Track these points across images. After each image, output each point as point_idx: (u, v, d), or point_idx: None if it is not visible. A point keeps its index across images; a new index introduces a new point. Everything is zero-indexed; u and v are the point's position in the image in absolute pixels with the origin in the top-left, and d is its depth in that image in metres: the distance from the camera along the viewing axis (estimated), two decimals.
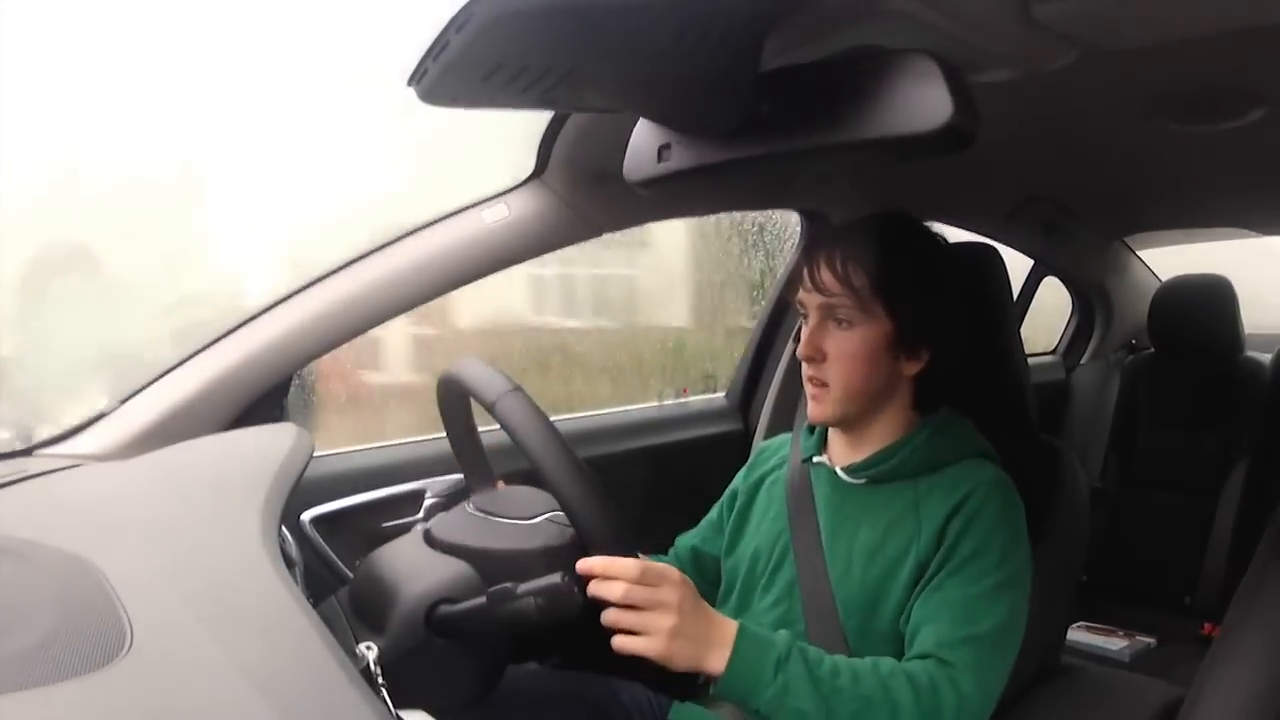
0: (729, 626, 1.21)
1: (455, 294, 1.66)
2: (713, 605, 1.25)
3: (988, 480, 1.37)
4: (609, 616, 1.16)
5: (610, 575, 1.15)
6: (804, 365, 1.42)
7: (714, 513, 1.68)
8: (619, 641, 1.16)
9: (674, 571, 1.20)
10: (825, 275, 1.38)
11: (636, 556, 1.20)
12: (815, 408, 1.42)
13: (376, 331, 1.63)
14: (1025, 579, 1.34)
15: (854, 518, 1.42)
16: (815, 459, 1.51)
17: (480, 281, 1.68)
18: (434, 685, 1.18)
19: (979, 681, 1.25)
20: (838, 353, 1.38)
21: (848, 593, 1.38)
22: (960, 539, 1.32)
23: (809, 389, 1.42)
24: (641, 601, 1.15)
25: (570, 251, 1.79)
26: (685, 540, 1.67)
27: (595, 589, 1.15)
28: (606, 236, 1.79)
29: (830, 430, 1.51)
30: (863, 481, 1.44)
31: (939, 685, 1.23)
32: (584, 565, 1.16)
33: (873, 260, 1.36)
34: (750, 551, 1.52)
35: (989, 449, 1.45)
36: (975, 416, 1.47)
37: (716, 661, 1.19)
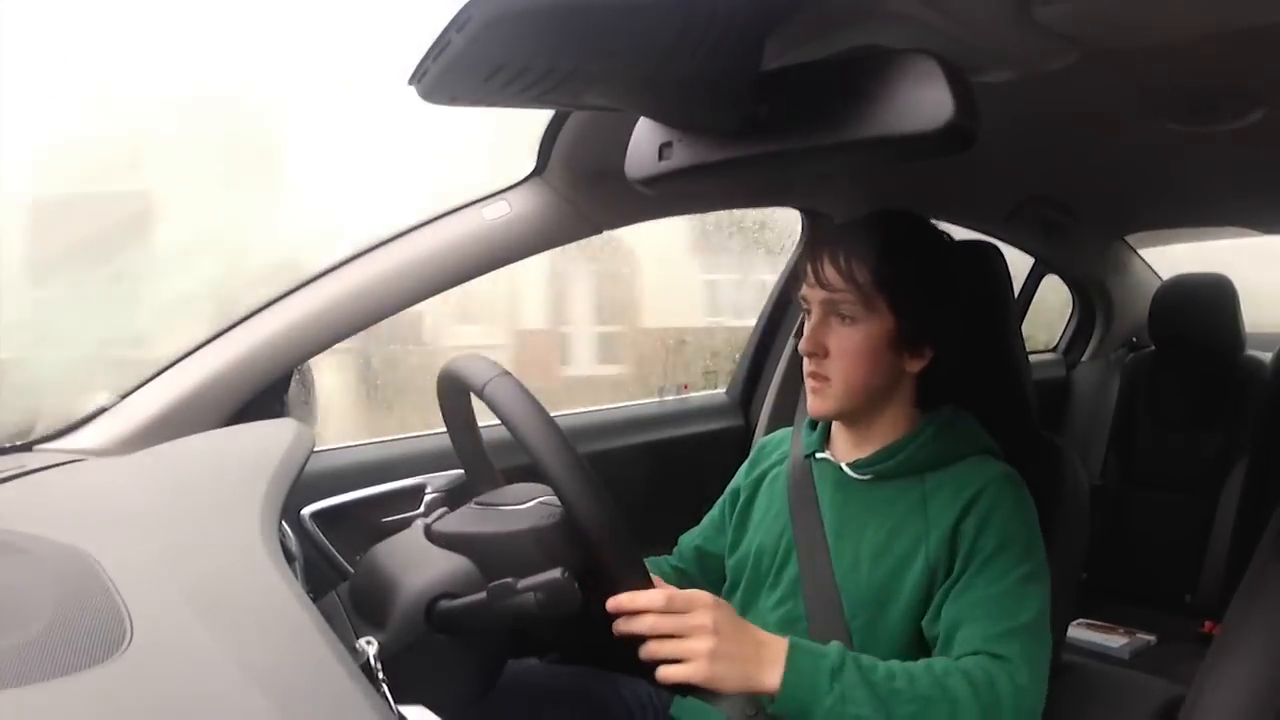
0: (777, 643, 1.21)
1: (637, 293, 1.67)
2: None
3: (997, 476, 1.37)
4: (647, 650, 1.15)
5: (636, 608, 1.15)
6: (805, 361, 1.41)
7: (715, 511, 1.67)
8: (663, 673, 1.16)
9: (704, 595, 1.19)
10: (829, 271, 1.37)
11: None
12: (815, 401, 1.42)
13: (565, 329, 1.64)
14: (1046, 573, 1.34)
15: (860, 515, 1.42)
16: (818, 455, 1.51)
17: (657, 283, 1.68)
18: (434, 680, 1.18)
19: (1032, 672, 1.25)
20: (840, 348, 1.38)
21: (855, 591, 1.37)
22: (979, 537, 1.32)
23: (809, 383, 1.42)
24: (672, 630, 1.15)
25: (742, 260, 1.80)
26: (688, 540, 1.67)
27: (622, 626, 1.16)
28: (762, 248, 1.79)
29: (834, 426, 1.51)
30: (868, 477, 1.44)
31: (995, 678, 1.22)
32: (612, 604, 1.16)
33: (877, 256, 1.36)
34: (754, 549, 1.51)
35: (994, 446, 1.45)
36: (977, 414, 1.48)
37: (770, 679, 1.18)
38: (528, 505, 1.30)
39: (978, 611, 1.29)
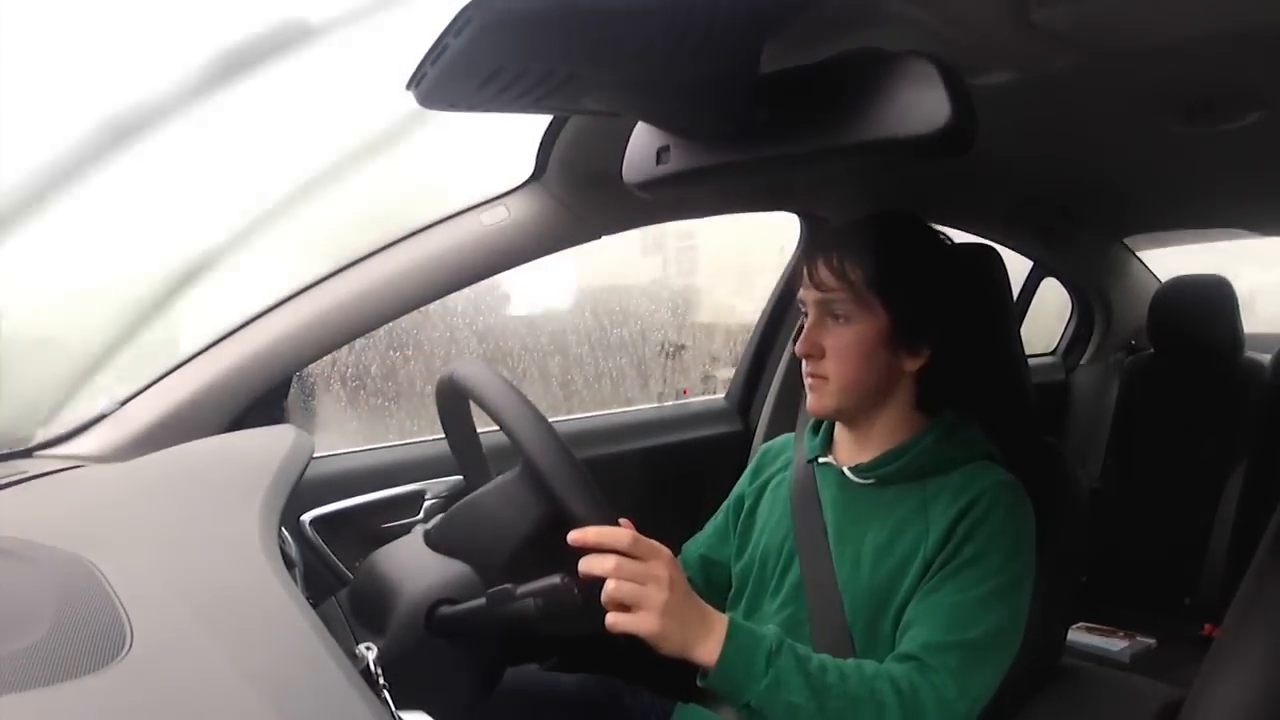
0: (719, 618, 1.21)
1: None
2: (722, 611, 1.25)
3: (997, 483, 1.37)
4: (607, 589, 1.15)
5: (602, 545, 1.15)
6: (804, 363, 1.42)
7: (719, 518, 1.67)
8: (612, 619, 1.15)
9: (664, 548, 1.19)
10: (823, 271, 1.38)
11: (617, 522, 1.20)
12: (814, 399, 1.42)
13: None
14: (1026, 583, 1.34)
15: (862, 519, 1.42)
16: (821, 459, 1.51)
17: None
18: (434, 686, 1.18)
19: (961, 688, 1.25)
20: (835, 347, 1.39)
21: (856, 594, 1.37)
22: (965, 541, 1.32)
23: (808, 382, 1.43)
24: (633, 575, 1.15)
25: None
26: (693, 549, 1.67)
27: (586, 565, 1.15)
28: None
29: (836, 430, 1.51)
30: (871, 482, 1.44)
31: (920, 689, 1.23)
32: (576, 536, 1.16)
33: (869, 256, 1.37)
34: (759, 555, 1.52)
35: (995, 452, 1.45)
36: (977, 417, 1.48)
37: (708, 652, 1.18)
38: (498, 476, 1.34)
39: (934, 616, 1.30)
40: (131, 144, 1.45)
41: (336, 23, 1.48)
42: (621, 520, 1.22)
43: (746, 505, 1.61)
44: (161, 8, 1.54)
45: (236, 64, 1.47)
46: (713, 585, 1.60)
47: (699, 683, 1.23)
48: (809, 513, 1.47)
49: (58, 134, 1.45)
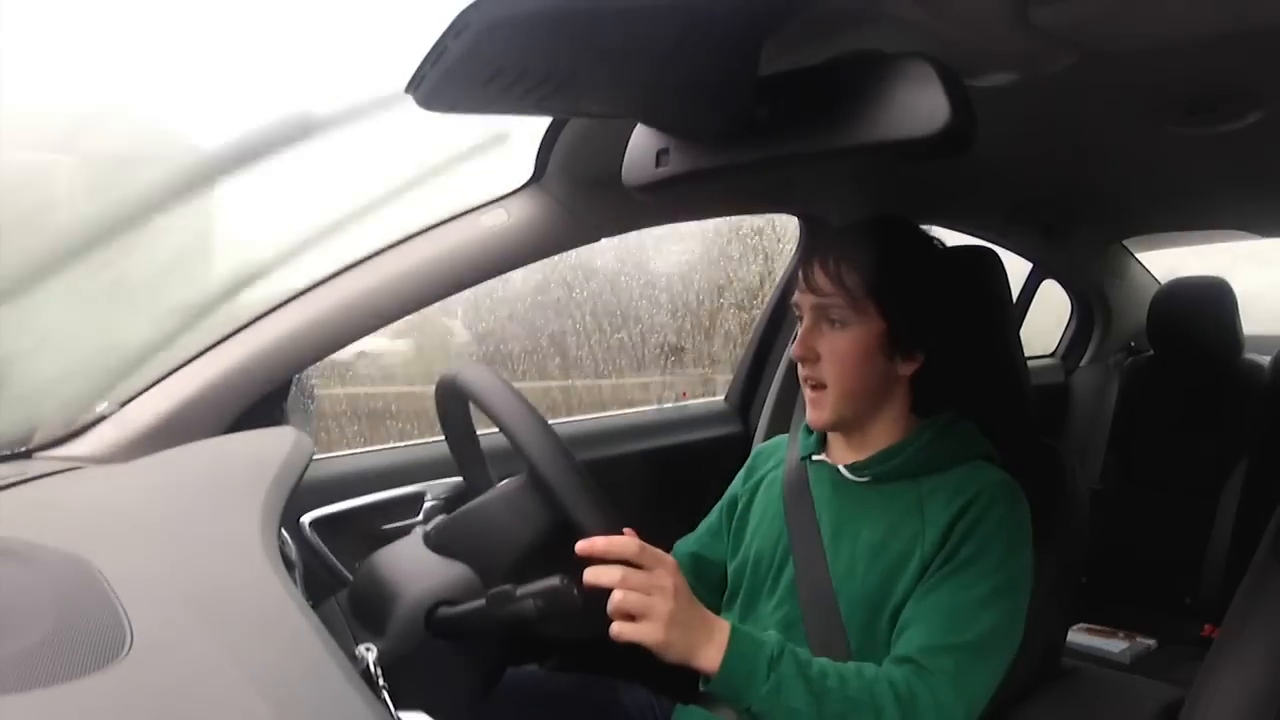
0: (721, 624, 1.22)
1: None
2: (716, 612, 1.25)
3: (994, 483, 1.37)
4: (614, 600, 1.15)
5: (610, 554, 1.15)
6: (799, 366, 1.42)
7: (713, 517, 1.67)
8: (617, 629, 1.16)
9: (669, 557, 1.20)
10: (819, 276, 1.38)
11: (621, 531, 1.20)
12: (814, 413, 1.42)
13: None
14: (1024, 583, 1.34)
15: (856, 517, 1.42)
16: (815, 457, 1.51)
17: None
18: (434, 687, 1.19)
19: (958, 691, 1.26)
20: (831, 352, 1.39)
21: (852, 593, 1.37)
22: (963, 541, 1.32)
23: (807, 392, 1.43)
24: (639, 586, 1.15)
25: None
26: (684, 547, 1.67)
27: (592, 576, 1.16)
28: None
29: (830, 432, 1.51)
30: (866, 480, 1.44)
31: (917, 693, 1.24)
32: (584, 546, 1.16)
33: (865, 261, 1.37)
34: (753, 555, 1.52)
35: (992, 452, 1.45)
36: (976, 419, 1.48)
37: (710, 658, 1.19)
38: (501, 482, 1.35)
39: (932, 618, 1.30)
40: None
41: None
42: (626, 529, 1.22)
43: (740, 505, 1.61)
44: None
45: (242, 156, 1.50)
46: (704, 583, 1.60)
47: (701, 688, 1.23)
48: (801, 511, 1.48)
49: None
